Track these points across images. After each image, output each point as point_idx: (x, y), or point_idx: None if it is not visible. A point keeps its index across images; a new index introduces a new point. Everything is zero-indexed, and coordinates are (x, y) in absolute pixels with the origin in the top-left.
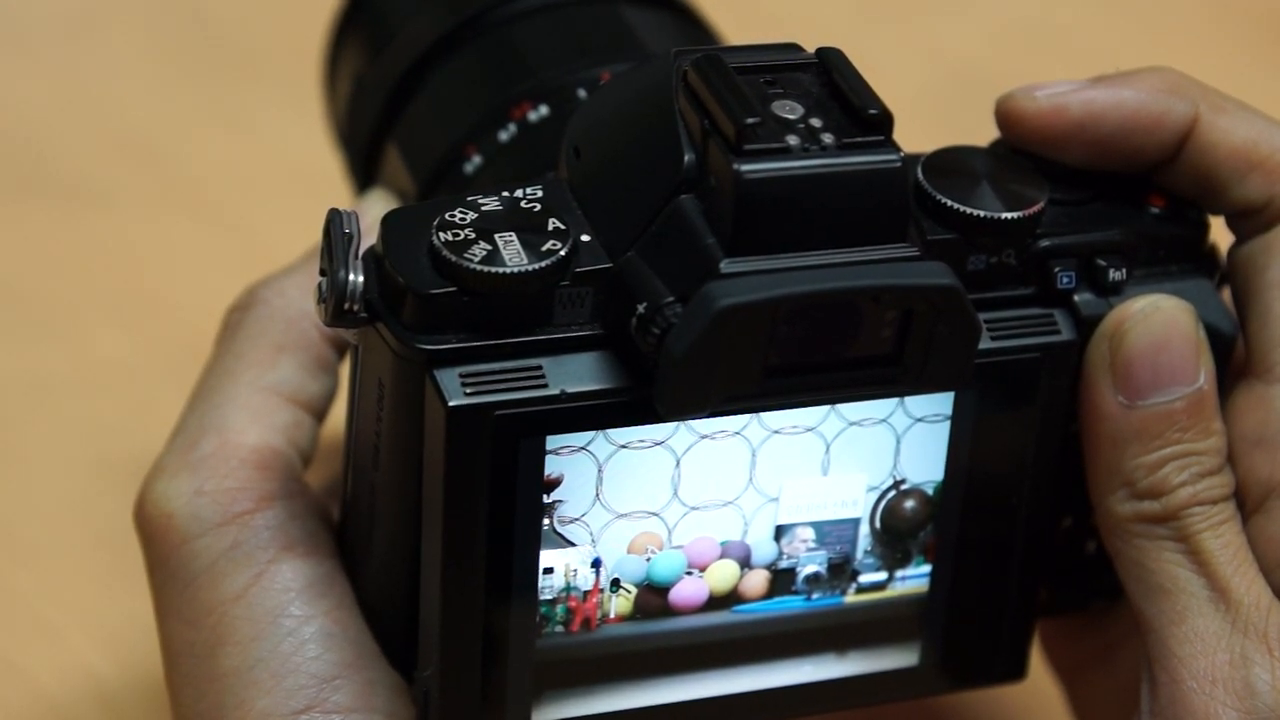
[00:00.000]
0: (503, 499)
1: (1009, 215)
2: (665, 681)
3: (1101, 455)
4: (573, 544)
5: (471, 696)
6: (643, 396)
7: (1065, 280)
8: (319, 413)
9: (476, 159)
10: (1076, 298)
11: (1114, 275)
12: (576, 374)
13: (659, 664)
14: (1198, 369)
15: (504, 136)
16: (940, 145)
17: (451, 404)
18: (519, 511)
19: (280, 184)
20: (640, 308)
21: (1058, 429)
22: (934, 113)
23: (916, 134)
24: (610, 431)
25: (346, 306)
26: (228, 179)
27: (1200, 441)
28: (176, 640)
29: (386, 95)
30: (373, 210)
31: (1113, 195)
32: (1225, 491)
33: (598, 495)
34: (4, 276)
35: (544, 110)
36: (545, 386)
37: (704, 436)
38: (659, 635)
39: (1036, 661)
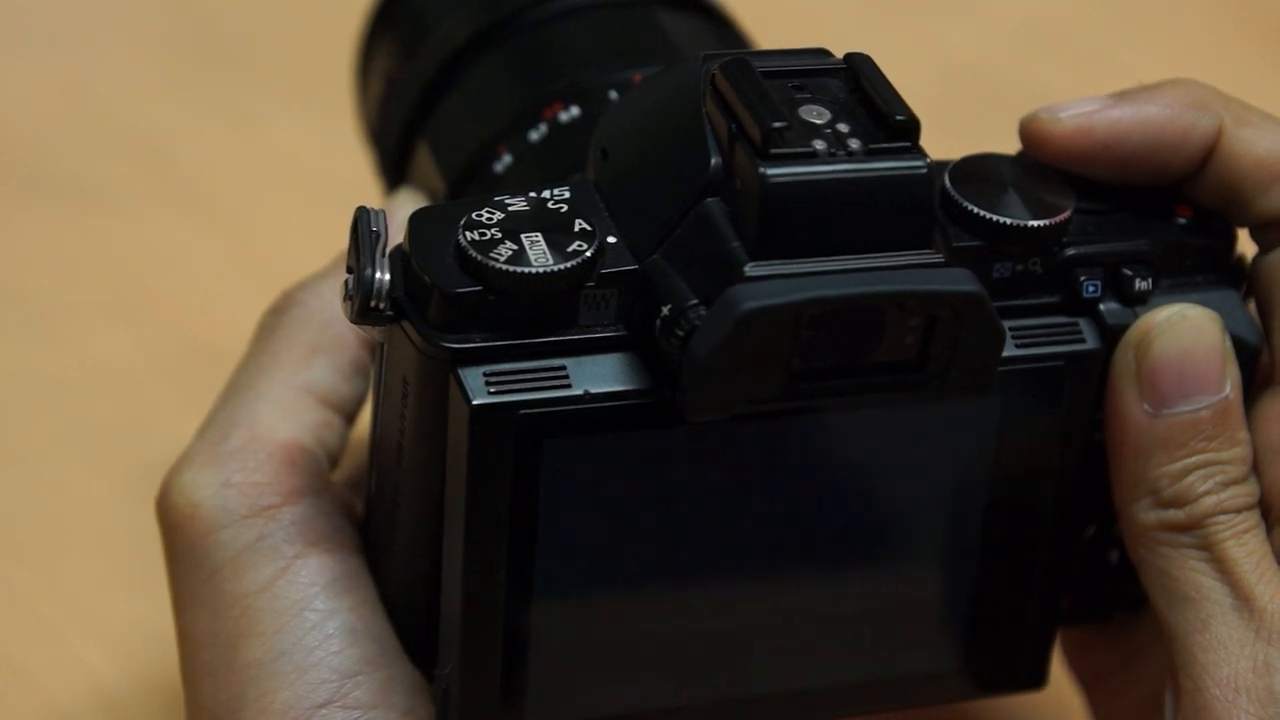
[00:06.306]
0: (525, 498)
1: (1035, 223)
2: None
3: (1126, 464)
4: None
5: (491, 695)
6: (666, 399)
7: (1091, 289)
8: (349, 415)
9: (507, 158)
10: (1102, 306)
11: (1140, 285)
12: (600, 375)
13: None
14: (1223, 378)
15: (534, 136)
16: (948, 149)
17: (475, 403)
18: (541, 510)
19: (281, 184)
20: (665, 310)
21: (1081, 437)
22: (941, 116)
23: (925, 138)
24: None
25: (372, 304)
26: (228, 179)
27: (1225, 451)
28: (197, 630)
29: (418, 94)
30: (402, 209)
31: (1139, 205)
32: (1250, 500)
33: None
34: (4, 276)
35: (575, 111)
36: (569, 387)
37: None
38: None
39: (1057, 669)
